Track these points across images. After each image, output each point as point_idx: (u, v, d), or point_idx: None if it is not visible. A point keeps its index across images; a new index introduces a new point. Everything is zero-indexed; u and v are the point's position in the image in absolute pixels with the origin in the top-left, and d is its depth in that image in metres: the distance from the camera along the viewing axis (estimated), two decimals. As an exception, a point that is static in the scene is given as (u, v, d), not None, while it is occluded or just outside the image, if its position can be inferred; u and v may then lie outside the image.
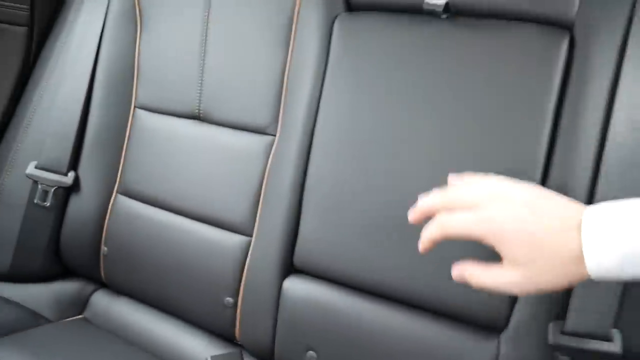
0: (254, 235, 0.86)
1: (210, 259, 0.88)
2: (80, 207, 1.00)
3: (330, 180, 0.77)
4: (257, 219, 0.86)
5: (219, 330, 0.90)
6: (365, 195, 0.74)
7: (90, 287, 1.05)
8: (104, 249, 0.99)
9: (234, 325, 0.87)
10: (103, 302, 1.02)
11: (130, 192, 0.97)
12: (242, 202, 0.87)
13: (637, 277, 0.39)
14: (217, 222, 0.88)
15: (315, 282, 0.78)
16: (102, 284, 1.05)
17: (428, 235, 0.48)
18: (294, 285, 0.79)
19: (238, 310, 0.86)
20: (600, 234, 0.40)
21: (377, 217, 0.73)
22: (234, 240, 0.87)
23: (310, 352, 0.77)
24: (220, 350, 0.90)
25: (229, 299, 0.86)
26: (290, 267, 0.81)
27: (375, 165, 0.74)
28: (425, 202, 0.50)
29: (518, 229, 0.43)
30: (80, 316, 1.02)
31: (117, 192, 1.00)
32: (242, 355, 0.84)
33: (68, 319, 1.00)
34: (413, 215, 0.50)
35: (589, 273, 0.41)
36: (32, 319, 0.96)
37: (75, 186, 0.99)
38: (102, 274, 1.01)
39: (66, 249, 1.01)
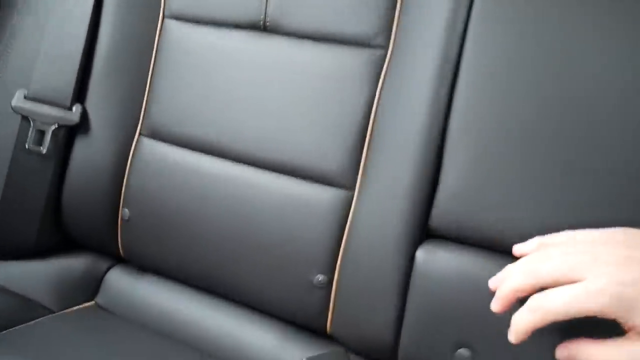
0: (357, 187, 0.61)
1: (289, 222, 0.63)
2: (89, 154, 0.72)
3: (487, 116, 0.54)
4: (363, 165, 0.61)
5: (301, 320, 0.66)
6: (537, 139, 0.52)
7: (103, 263, 0.78)
8: (123, 212, 0.72)
9: (324, 313, 0.63)
10: (122, 284, 0.76)
11: (160, 133, 0.71)
12: (337, 143, 0.62)
13: None
14: (299, 170, 0.63)
15: (466, 252, 0.55)
16: (119, 259, 0.78)
17: (524, 325, 0.39)
18: (434, 257, 0.56)
19: (333, 292, 0.62)
20: None
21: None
22: (326, 195, 0.62)
23: (462, 351, 0.55)
24: (302, 347, 0.66)
25: (321, 277, 0.62)
26: (422, 231, 0.58)
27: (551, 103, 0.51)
28: (509, 285, 0.41)
29: None
30: (90, 303, 0.75)
31: (140, 133, 0.72)
32: (347, 355, 0.61)
33: (75, 308, 0.73)
34: (498, 306, 0.42)
35: None
36: (27, 309, 0.69)
37: (83, 125, 0.72)
38: (120, 245, 0.74)
39: (70, 213, 0.74)
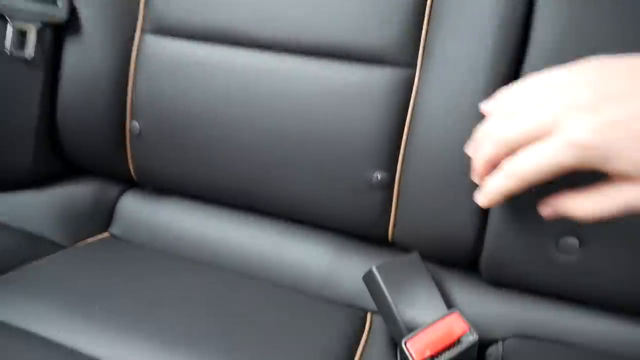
0: (418, 66, 0.51)
1: (338, 113, 0.53)
2: (84, 59, 0.60)
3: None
4: (423, 39, 0.51)
5: (358, 228, 0.57)
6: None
7: (113, 190, 0.68)
8: (132, 125, 0.61)
9: (385, 218, 0.55)
10: (138, 210, 0.66)
11: (168, 27, 0.59)
12: (391, 12, 0.51)
13: None
14: (346, 51, 0.53)
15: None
16: (131, 183, 0.68)
17: (498, 190, 0.38)
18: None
19: (395, 192, 0.53)
20: None
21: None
22: (382, 76, 0.52)
23: (568, 239, 0.47)
24: (362, 259, 0.57)
25: (380, 174, 0.53)
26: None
27: None
28: (482, 158, 0.39)
29: (626, 126, 0.32)
30: (104, 234, 0.65)
31: (142, 30, 0.60)
32: (419, 257, 0.52)
33: (87, 240, 0.63)
34: (476, 178, 0.41)
35: None
36: (35, 246, 0.59)
37: (72, 24, 0.59)
38: (132, 167, 0.64)
39: (69, 132, 0.63)
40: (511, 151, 0.37)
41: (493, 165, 0.38)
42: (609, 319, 0.49)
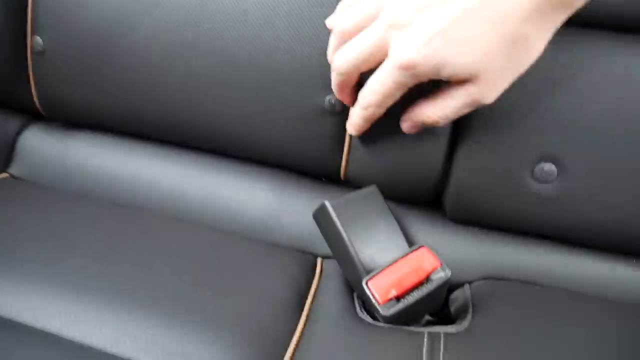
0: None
1: (284, 28, 0.45)
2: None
3: None
4: None
5: (308, 164, 0.49)
6: None
7: (12, 123, 0.57)
8: (34, 41, 0.51)
9: (337, 150, 0.48)
10: (43, 147, 0.56)
11: None
12: None
13: None
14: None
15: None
16: (34, 116, 0.57)
17: (361, 120, 0.41)
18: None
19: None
20: None
21: None
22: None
23: (544, 165, 0.41)
24: (313, 198, 0.50)
25: (332, 98, 0.46)
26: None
27: None
28: (336, 91, 0.41)
29: (445, 34, 0.34)
30: (2, 175, 0.55)
31: None
32: (379, 191, 0.45)
33: (-19, 182, 0.52)
34: (350, 128, 0.43)
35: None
36: None
37: None
38: (34, 93, 0.53)
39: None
40: (360, 73, 0.39)
41: (349, 84, 0.40)
42: (589, 257, 0.45)
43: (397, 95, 0.38)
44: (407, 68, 0.35)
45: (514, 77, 0.36)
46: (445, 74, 0.35)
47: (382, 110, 0.39)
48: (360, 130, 0.42)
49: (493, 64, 0.35)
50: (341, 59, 0.38)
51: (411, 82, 0.36)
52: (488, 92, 0.36)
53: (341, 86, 0.40)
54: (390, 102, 0.38)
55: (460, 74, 0.35)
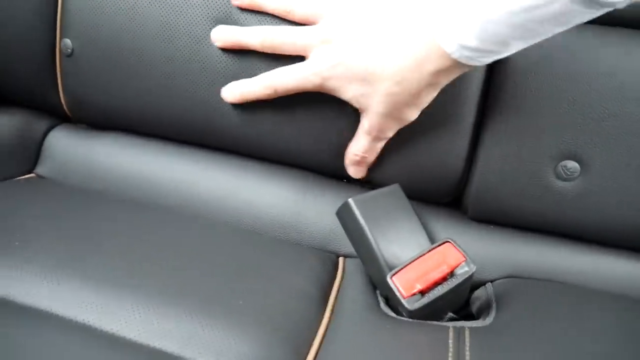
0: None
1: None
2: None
3: None
4: None
5: (327, 163, 0.50)
6: None
7: (40, 124, 0.58)
8: (63, 43, 0.52)
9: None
10: (69, 148, 0.57)
11: None
12: None
13: (498, 46, 0.35)
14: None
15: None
16: (63, 117, 0.58)
17: (251, 95, 0.45)
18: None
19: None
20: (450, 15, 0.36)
21: None
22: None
23: (567, 163, 0.42)
24: (333, 197, 0.51)
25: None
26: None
27: None
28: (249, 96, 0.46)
29: (344, 67, 0.40)
30: (29, 175, 0.56)
31: None
32: (401, 189, 0.46)
33: (9, 181, 0.53)
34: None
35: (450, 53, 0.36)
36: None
37: None
38: (62, 95, 0.55)
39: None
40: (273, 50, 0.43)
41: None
42: (611, 256, 0.45)
43: (296, 91, 0.43)
44: (317, 77, 0.41)
45: (401, 125, 0.42)
46: (341, 97, 0.42)
47: (272, 96, 0.44)
48: (237, 101, 0.46)
49: (380, 110, 0.41)
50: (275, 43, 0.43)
51: (313, 89, 0.42)
52: (387, 130, 0.42)
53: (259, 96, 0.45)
54: (285, 94, 0.43)
55: (353, 103, 0.41)
